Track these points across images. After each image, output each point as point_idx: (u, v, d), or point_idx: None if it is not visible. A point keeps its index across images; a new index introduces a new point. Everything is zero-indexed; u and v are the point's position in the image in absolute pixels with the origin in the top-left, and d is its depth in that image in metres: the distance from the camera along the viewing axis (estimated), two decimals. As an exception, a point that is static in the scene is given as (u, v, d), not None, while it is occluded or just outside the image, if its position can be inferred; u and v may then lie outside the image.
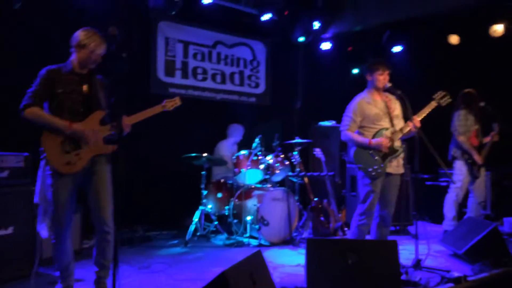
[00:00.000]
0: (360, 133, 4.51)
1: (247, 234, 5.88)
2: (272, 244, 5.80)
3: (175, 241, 5.99)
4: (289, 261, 5.04)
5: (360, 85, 4.79)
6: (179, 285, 4.17)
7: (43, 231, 3.64)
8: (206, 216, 6.26)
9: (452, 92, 4.74)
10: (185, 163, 6.09)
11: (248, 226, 5.85)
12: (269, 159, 6.25)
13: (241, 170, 6.21)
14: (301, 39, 7.83)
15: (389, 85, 4.51)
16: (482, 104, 6.10)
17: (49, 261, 4.31)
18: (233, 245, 5.75)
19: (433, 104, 4.54)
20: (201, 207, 6.00)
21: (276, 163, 6.23)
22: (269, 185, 6.32)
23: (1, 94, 4.89)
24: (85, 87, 3.52)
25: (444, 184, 7.36)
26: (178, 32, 7.16)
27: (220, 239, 6.08)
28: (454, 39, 7.60)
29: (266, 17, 7.40)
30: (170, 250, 5.57)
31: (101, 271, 3.61)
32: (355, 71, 9.14)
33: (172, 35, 7.09)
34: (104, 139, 3.54)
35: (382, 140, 4.35)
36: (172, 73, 7.10)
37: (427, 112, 4.51)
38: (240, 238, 5.93)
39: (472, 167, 5.98)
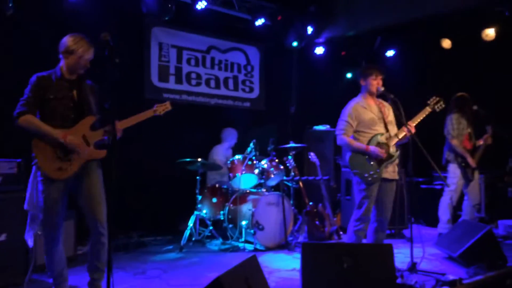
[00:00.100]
0: (355, 138, 4.51)
1: (242, 239, 5.87)
2: (268, 249, 5.79)
3: (170, 247, 5.96)
4: (285, 265, 5.03)
5: (354, 89, 4.81)
6: (174, 290, 4.16)
7: (30, 239, 3.62)
8: (201, 221, 6.25)
9: (444, 96, 4.77)
10: (179, 168, 6.08)
11: (243, 230, 5.84)
12: (264, 163, 6.25)
13: (236, 174, 6.20)
14: (295, 44, 7.86)
15: (382, 89, 4.53)
16: (474, 107, 6.14)
17: (42, 268, 4.27)
18: (229, 250, 5.74)
19: (427, 110, 4.57)
20: (196, 212, 5.99)
21: (271, 168, 6.23)
22: (264, 190, 6.32)
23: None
24: (75, 93, 3.52)
25: (438, 187, 7.38)
26: (171, 38, 7.16)
27: (215, 244, 6.06)
28: (446, 43, 7.65)
29: (259, 22, 7.42)
30: (165, 255, 5.54)
31: (95, 274, 3.58)
32: (349, 75, 9.18)
33: (165, 40, 7.09)
34: (95, 144, 3.54)
35: (379, 151, 4.36)
36: (166, 78, 7.09)
37: (422, 118, 4.53)
38: (235, 243, 5.92)
39: (466, 170, 6.00)
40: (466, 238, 4.89)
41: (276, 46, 8.14)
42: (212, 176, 6.94)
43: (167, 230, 6.58)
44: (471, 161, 5.98)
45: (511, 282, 3.65)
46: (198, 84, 7.46)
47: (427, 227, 7.25)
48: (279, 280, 4.47)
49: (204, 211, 6.16)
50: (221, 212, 6.13)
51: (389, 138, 4.47)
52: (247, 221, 5.79)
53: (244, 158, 6.24)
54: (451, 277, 4.10)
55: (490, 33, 7.07)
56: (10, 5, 5.15)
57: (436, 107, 4.59)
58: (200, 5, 6.64)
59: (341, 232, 6.28)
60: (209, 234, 6.16)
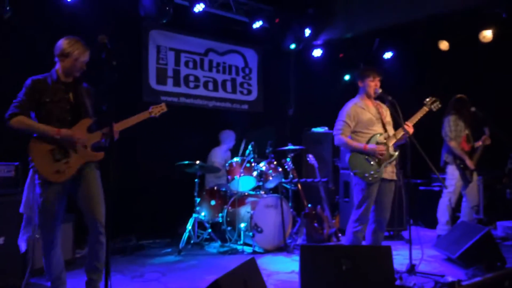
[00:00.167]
0: (353, 138, 4.52)
1: (241, 242, 5.86)
2: (266, 251, 5.78)
3: (169, 250, 5.95)
4: (283, 268, 5.02)
5: (351, 91, 4.82)
6: (173, 293, 4.15)
7: (23, 244, 3.61)
8: (200, 224, 6.24)
9: (442, 97, 4.78)
10: (178, 170, 6.07)
11: (242, 233, 5.83)
12: (262, 166, 6.25)
13: (234, 177, 6.20)
14: (293, 46, 7.87)
15: (380, 91, 4.54)
16: (472, 109, 6.15)
17: (41, 271, 4.25)
18: (227, 253, 5.73)
19: (424, 109, 4.59)
20: (194, 215, 5.98)
21: (269, 170, 6.22)
22: (262, 192, 6.32)
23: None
24: (71, 95, 3.52)
25: (437, 189, 7.38)
26: (169, 40, 7.16)
27: (214, 246, 6.05)
28: (444, 45, 7.66)
29: (257, 24, 7.43)
30: (164, 258, 5.53)
31: (94, 274, 3.57)
32: (347, 77, 9.19)
33: (163, 43, 7.09)
34: (93, 146, 3.54)
35: (376, 148, 4.36)
36: (164, 81, 7.09)
37: (419, 117, 4.55)
38: (234, 246, 5.91)
39: (465, 171, 6.00)
40: (465, 240, 4.89)
41: (274, 49, 8.14)
42: (211, 178, 6.94)
43: (166, 233, 6.57)
44: (469, 163, 5.99)
45: (510, 283, 3.65)
46: (196, 86, 7.46)
47: (425, 229, 7.25)
48: (278, 282, 4.46)
49: (203, 214, 6.15)
50: (220, 214, 6.13)
51: (388, 138, 4.48)
52: (245, 224, 5.78)
53: (243, 161, 6.24)
54: (450, 278, 4.09)
55: (487, 34, 7.08)
56: (7, 8, 5.15)
57: (432, 106, 4.60)
58: (198, 8, 6.65)
59: (339, 234, 6.28)
60: (208, 236, 6.16)
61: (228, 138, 7.15)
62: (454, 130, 6.04)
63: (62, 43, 3.49)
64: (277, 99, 8.45)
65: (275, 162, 6.33)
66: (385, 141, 4.45)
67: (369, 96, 4.62)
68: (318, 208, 6.36)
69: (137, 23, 6.70)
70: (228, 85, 7.88)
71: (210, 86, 7.63)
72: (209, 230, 6.07)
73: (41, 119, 3.42)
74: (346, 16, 7.78)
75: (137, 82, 6.77)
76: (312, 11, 7.83)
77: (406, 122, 4.44)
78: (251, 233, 5.68)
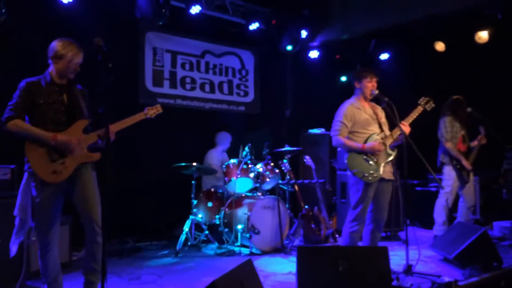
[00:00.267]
0: (350, 139, 4.53)
1: (238, 243, 5.86)
2: (264, 253, 5.78)
3: (166, 252, 5.94)
4: (281, 269, 5.02)
5: (348, 92, 4.83)
6: (170, 295, 4.15)
7: (15, 247, 3.59)
8: (197, 226, 6.24)
9: (438, 98, 4.80)
10: (174, 172, 6.07)
11: (239, 235, 5.83)
12: (259, 167, 6.25)
13: (231, 179, 6.20)
14: (289, 47, 7.87)
15: (376, 92, 4.55)
16: (468, 109, 6.16)
17: (37, 274, 4.24)
18: (224, 254, 5.73)
19: (419, 109, 4.61)
20: (191, 217, 5.97)
21: (266, 171, 6.22)
22: (259, 194, 6.32)
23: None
24: (65, 97, 3.52)
25: (433, 189, 7.40)
26: (166, 42, 7.17)
27: (211, 248, 6.05)
28: (440, 46, 7.68)
29: (253, 26, 7.44)
30: (161, 260, 5.52)
31: (91, 276, 3.54)
32: (343, 78, 9.20)
33: (160, 45, 7.10)
34: (89, 148, 3.54)
35: (375, 144, 4.38)
36: (160, 83, 7.09)
37: (415, 117, 4.56)
38: (231, 247, 5.91)
39: (461, 172, 6.02)
40: (462, 240, 4.90)
41: (270, 50, 8.15)
42: (208, 180, 6.94)
43: (163, 235, 6.57)
44: (466, 164, 6.00)
45: (506, 283, 3.66)
46: (193, 88, 7.46)
47: (422, 229, 7.26)
48: (275, 284, 4.46)
49: (200, 216, 6.15)
50: (217, 216, 6.12)
51: (385, 137, 4.50)
52: (242, 225, 5.78)
53: (239, 162, 6.24)
54: (446, 279, 4.10)
55: (483, 35, 7.11)
56: (3, 10, 5.14)
57: (426, 106, 4.63)
58: (194, 10, 6.65)
59: (336, 235, 6.28)
60: (205, 238, 6.15)
61: (224, 139, 7.16)
62: (450, 131, 6.06)
63: (56, 45, 3.49)
64: (273, 100, 8.46)
65: (272, 164, 6.33)
66: (382, 140, 4.47)
67: (365, 97, 4.63)
68: (315, 209, 6.36)
69: (133, 25, 6.70)
70: (225, 87, 7.89)
71: (207, 88, 7.64)
72: (206, 232, 6.06)
73: (35, 121, 3.41)
74: (343, 18, 7.79)
75: (133, 84, 6.77)
76: (308, 12, 7.84)
77: (402, 122, 4.46)
78: (248, 235, 5.68)
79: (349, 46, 8.37)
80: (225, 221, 6.05)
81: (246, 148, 6.30)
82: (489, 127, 6.22)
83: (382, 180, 4.46)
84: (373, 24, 7.49)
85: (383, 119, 4.67)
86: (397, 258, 5.21)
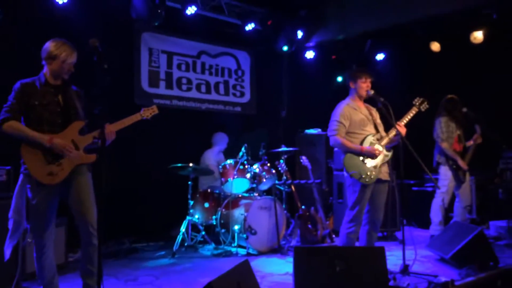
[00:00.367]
0: (346, 139, 4.53)
1: (235, 244, 5.85)
2: (260, 253, 5.78)
3: (162, 252, 5.93)
4: (278, 269, 5.02)
5: (344, 93, 4.83)
6: (167, 297, 4.14)
7: (8, 250, 3.57)
8: (193, 226, 6.22)
9: (434, 99, 4.82)
10: (171, 173, 6.06)
11: (235, 235, 5.83)
12: (256, 168, 6.25)
13: (227, 179, 6.19)
14: (285, 48, 7.87)
15: (372, 92, 4.56)
16: (464, 109, 6.18)
17: (33, 275, 4.23)
18: (221, 255, 5.72)
19: (414, 109, 4.62)
20: (188, 217, 5.97)
21: (263, 172, 6.22)
22: (256, 194, 6.31)
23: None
24: (60, 98, 3.51)
25: (430, 189, 7.41)
26: (161, 43, 7.15)
27: (208, 249, 6.04)
28: (435, 46, 7.70)
29: (249, 27, 7.43)
30: (157, 261, 5.51)
31: (89, 279, 3.52)
32: (339, 79, 9.21)
33: (155, 45, 7.08)
34: (85, 149, 3.53)
35: (374, 150, 4.38)
36: (156, 83, 7.07)
37: (410, 117, 4.58)
38: (228, 248, 5.91)
39: (457, 172, 6.03)
40: (458, 240, 4.91)
41: (266, 51, 8.15)
42: (204, 181, 6.93)
43: (159, 236, 6.56)
44: (462, 163, 6.02)
45: (503, 283, 3.67)
46: (189, 89, 7.45)
47: (419, 229, 7.28)
48: (272, 284, 4.46)
49: (196, 216, 6.14)
50: (214, 217, 6.12)
51: (380, 138, 4.50)
52: (239, 226, 5.77)
53: (236, 163, 6.24)
54: (443, 279, 4.11)
55: (478, 35, 7.13)
56: (-1, 11, 5.13)
57: (421, 107, 4.64)
58: (190, 11, 6.64)
59: (333, 236, 6.28)
60: (202, 239, 6.14)
61: (220, 140, 7.15)
62: (446, 132, 6.07)
63: (49, 45, 3.47)
64: (270, 101, 8.46)
65: (268, 164, 6.33)
66: (377, 141, 4.47)
67: (360, 97, 4.64)
68: (312, 209, 6.36)
69: (129, 26, 6.68)
70: (221, 88, 7.88)
71: (203, 88, 7.63)
72: (203, 233, 6.05)
73: (31, 123, 3.39)
74: (338, 18, 7.80)
75: (129, 85, 6.75)
76: (304, 13, 7.84)
77: (398, 122, 4.47)
78: (245, 235, 5.67)
79: (345, 47, 8.37)
80: (222, 221, 6.04)
81: (243, 149, 6.30)
82: (485, 127, 6.23)
83: (378, 181, 4.46)
84: (369, 25, 7.50)
85: (378, 120, 4.68)
86: (393, 258, 5.22)
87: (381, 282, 3.65)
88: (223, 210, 6.09)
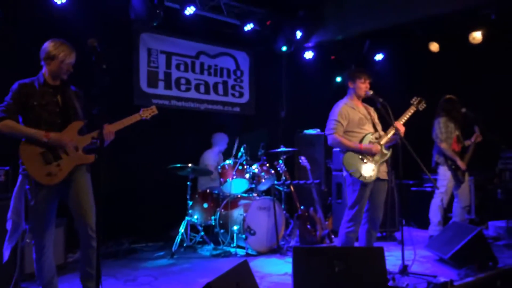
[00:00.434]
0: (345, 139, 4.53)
1: (234, 244, 5.85)
2: (259, 253, 5.78)
3: (161, 253, 5.93)
4: (277, 270, 5.02)
5: (343, 93, 4.83)
6: (166, 297, 4.13)
7: (7, 252, 3.56)
8: (192, 227, 6.22)
9: (433, 99, 4.82)
10: (170, 173, 6.05)
11: (234, 236, 5.82)
12: (255, 168, 6.24)
13: (226, 179, 6.19)
14: (284, 48, 7.87)
15: (371, 92, 4.56)
16: (463, 110, 6.18)
17: (32, 276, 4.22)
18: (220, 256, 5.72)
19: (412, 108, 4.63)
20: (187, 218, 5.96)
21: (262, 172, 6.22)
22: (255, 194, 6.31)
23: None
24: (59, 98, 3.50)
25: (429, 189, 7.41)
26: (160, 43, 7.14)
27: (207, 249, 6.03)
28: (434, 46, 7.71)
29: (248, 27, 7.43)
30: (156, 262, 5.51)
31: (89, 282, 3.51)
32: (338, 79, 9.21)
33: (154, 46, 7.07)
34: (84, 149, 3.52)
35: (372, 146, 4.39)
36: (155, 84, 7.07)
37: (408, 117, 4.58)
38: (227, 248, 5.90)
39: (456, 172, 6.03)
40: (457, 240, 4.91)
41: (265, 51, 8.15)
42: (203, 181, 6.93)
43: (158, 236, 6.55)
44: (461, 164, 6.02)
45: (502, 283, 3.67)
46: (188, 89, 7.45)
47: (418, 229, 7.28)
48: (271, 285, 4.46)
49: (195, 217, 6.13)
50: (212, 217, 6.11)
51: (379, 137, 4.51)
52: (238, 226, 5.77)
53: (235, 163, 6.23)
54: (442, 279, 4.11)
55: (477, 36, 7.13)
56: (-2, 11, 5.12)
57: (419, 106, 4.65)
58: (189, 11, 6.64)
59: (332, 236, 6.28)
60: (201, 239, 6.14)
61: (220, 140, 7.15)
62: (444, 132, 6.08)
63: (47, 46, 3.47)
64: (269, 101, 8.46)
65: (267, 164, 6.33)
66: (376, 140, 4.48)
67: (358, 97, 4.65)
68: (311, 210, 6.36)
69: (127, 26, 6.67)
70: (220, 88, 7.88)
71: (202, 89, 7.62)
72: (202, 233, 6.05)
73: (30, 123, 3.38)
74: (337, 18, 7.80)
75: (128, 85, 6.74)
76: (303, 13, 7.84)
77: (396, 122, 4.47)
78: (244, 236, 5.67)
79: (343, 47, 8.38)
80: (221, 222, 6.04)
81: (242, 149, 6.30)
82: (484, 127, 6.24)
83: (377, 179, 4.47)
84: (368, 25, 7.50)
85: (376, 120, 4.70)
86: (392, 259, 5.22)
87: (380, 282, 3.64)
88: (222, 210, 6.08)
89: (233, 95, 8.05)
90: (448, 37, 7.53)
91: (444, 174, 6.11)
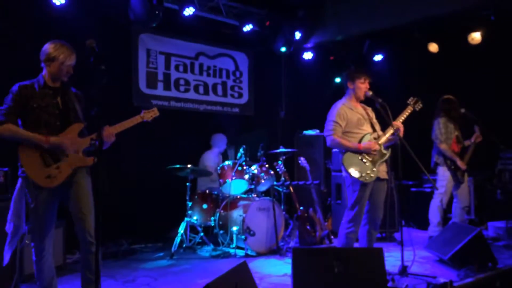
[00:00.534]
0: (343, 139, 4.53)
1: (234, 245, 5.85)
2: (259, 254, 5.77)
3: (161, 254, 5.92)
4: (276, 271, 5.02)
5: (342, 94, 4.83)
6: (165, 298, 4.13)
7: (7, 255, 3.55)
8: (192, 228, 6.21)
9: (432, 99, 4.81)
10: (169, 174, 6.05)
11: (234, 236, 5.82)
12: (254, 169, 6.24)
13: (226, 180, 6.19)
14: (283, 49, 7.85)
15: (370, 93, 4.56)
16: (462, 110, 6.19)
17: (31, 277, 4.22)
18: (220, 256, 5.71)
19: (409, 108, 4.64)
20: (186, 219, 5.96)
21: (261, 173, 6.22)
22: (254, 195, 6.30)
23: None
24: (59, 100, 3.49)
25: (428, 190, 7.41)
26: (159, 44, 7.14)
27: (206, 250, 6.03)
28: (433, 47, 7.71)
29: (247, 28, 7.42)
30: (156, 262, 5.50)
31: (90, 287, 3.50)
32: (338, 80, 9.21)
33: (153, 47, 7.07)
34: (84, 151, 3.51)
35: (371, 144, 4.39)
36: (154, 85, 7.06)
37: (405, 117, 4.58)
38: (226, 249, 5.90)
39: (456, 173, 6.03)
40: (456, 241, 4.91)
41: (264, 52, 8.14)
42: (203, 182, 6.92)
43: (158, 237, 6.54)
44: (460, 164, 6.02)
45: (501, 284, 3.67)
46: (187, 90, 7.44)
47: (417, 230, 7.28)
48: (270, 285, 4.46)
49: (195, 218, 6.13)
50: (212, 218, 6.11)
51: (378, 137, 4.51)
52: (238, 227, 5.77)
53: (234, 164, 6.23)
54: (442, 280, 4.11)
55: (476, 36, 7.13)
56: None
57: (415, 106, 4.65)
58: (188, 12, 6.63)
59: (332, 237, 6.28)
60: (200, 240, 6.14)
61: (220, 141, 7.15)
62: (444, 133, 6.08)
63: (47, 47, 3.46)
64: (268, 102, 8.45)
65: (267, 165, 6.33)
66: (375, 140, 4.48)
67: (357, 98, 4.65)
68: (310, 210, 6.36)
69: (126, 27, 6.66)
70: (219, 89, 7.87)
71: (201, 89, 7.62)
72: (201, 234, 6.05)
73: (29, 125, 3.37)
74: (337, 19, 7.80)
75: (127, 86, 6.74)
76: (302, 14, 7.84)
77: (394, 122, 4.47)
78: (243, 236, 5.67)
79: (343, 47, 8.38)
80: (220, 223, 6.04)
81: (241, 150, 6.29)
82: (483, 127, 6.24)
83: (377, 179, 4.47)
84: (367, 26, 7.50)
85: (374, 119, 4.70)
86: (392, 259, 5.22)
87: (379, 283, 3.64)
88: (222, 211, 6.08)
89: (232, 96, 8.05)
90: (448, 37, 7.53)
91: (443, 175, 6.11)
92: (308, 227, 6.21)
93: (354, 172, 4.39)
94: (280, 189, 6.62)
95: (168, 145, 6.85)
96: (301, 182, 7.03)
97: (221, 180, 6.29)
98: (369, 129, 4.58)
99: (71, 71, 3.51)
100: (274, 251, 5.85)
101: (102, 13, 6.11)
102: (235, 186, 6.27)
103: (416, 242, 5.38)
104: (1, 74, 5.06)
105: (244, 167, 6.24)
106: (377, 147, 4.42)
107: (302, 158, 6.87)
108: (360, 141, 4.49)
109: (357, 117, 4.55)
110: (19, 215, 3.49)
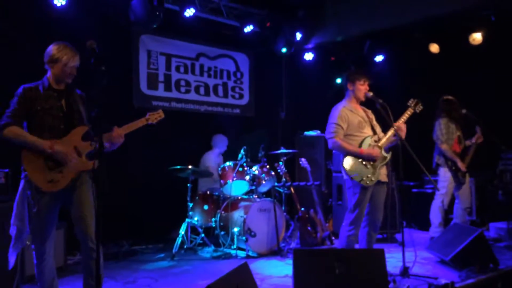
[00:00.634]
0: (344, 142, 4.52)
1: (235, 246, 5.84)
2: (260, 255, 5.77)
3: (162, 255, 5.92)
4: (277, 272, 5.01)
5: (343, 94, 4.82)
6: (166, 300, 4.12)
7: (13, 258, 3.53)
8: (193, 229, 6.21)
9: (432, 100, 4.80)
10: (170, 175, 6.05)
11: (235, 237, 5.82)
12: (255, 170, 6.24)
13: (227, 181, 6.18)
14: (284, 50, 7.84)
15: (370, 94, 4.55)
16: (463, 111, 6.18)
17: (32, 278, 4.21)
18: (221, 257, 5.71)
19: (410, 110, 4.61)
20: (187, 220, 5.95)
21: (262, 174, 6.21)
22: (255, 196, 6.30)
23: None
24: (63, 103, 3.47)
25: (429, 191, 7.40)
26: (160, 45, 7.14)
27: (207, 251, 6.02)
28: (434, 47, 7.70)
29: (248, 29, 7.41)
30: (157, 264, 5.50)
31: None
32: (338, 80, 9.20)
33: (154, 48, 7.07)
34: (87, 155, 3.48)
35: (373, 152, 4.38)
36: (155, 86, 7.06)
37: (405, 119, 4.56)
38: (227, 250, 5.89)
39: (457, 173, 6.02)
40: (458, 242, 4.90)
41: (265, 53, 8.14)
42: (203, 183, 6.92)
43: (159, 238, 6.54)
44: (461, 165, 6.01)
45: (503, 285, 3.67)
46: (188, 91, 7.44)
47: (419, 231, 7.27)
48: (271, 287, 4.45)
49: (196, 219, 6.12)
50: (213, 219, 6.10)
51: (378, 140, 4.49)
52: (239, 228, 5.76)
53: (235, 165, 6.23)
54: (443, 281, 4.11)
55: (477, 37, 7.13)
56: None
57: (416, 108, 4.63)
58: (189, 13, 6.62)
59: (333, 238, 6.27)
60: (201, 241, 6.13)
61: (220, 142, 7.15)
62: (445, 133, 6.07)
63: (51, 49, 3.44)
64: (269, 103, 8.45)
65: (267, 166, 6.32)
66: (376, 143, 4.47)
67: (357, 100, 4.64)
68: (311, 211, 6.35)
69: (127, 28, 6.67)
70: (220, 90, 7.87)
71: (202, 90, 7.62)
72: (202, 235, 6.04)
73: (33, 128, 3.35)
74: (337, 20, 7.79)
75: (127, 87, 6.73)
76: (302, 15, 7.83)
77: (395, 124, 4.46)
78: (244, 237, 5.66)
79: (343, 48, 8.38)
80: (221, 224, 6.03)
81: (242, 151, 6.29)
82: (484, 128, 6.23)
83: (377, 182, 4.46)
84: (368, 26, 7.49)
85: (375, 122, 4.69)
86: (393, 260, 5.21)
87: (381, 284, 3.63)
88: (223, 212, 6.08)
89: (233, 96, 8.05)
90: (448, 38, 7.53)
91: (445, 176, 6.10)
92: (309, 228, 6.20)
93: (356, 176, 4.37)
94: (281, 190, 6.61)
95: (168, 146, 6.84)
96: (302, 183, 7.02)
97: (222, 181, 6.29)
98: (370, 132, 4.56)
99: (74, 73, 3.48)
100: (275, 252, 5.85)
101: (103, 14, 6.12)
102: (236, 187, 6.27)
103: (418, 243, 5.37)
104: (1, 75, 5.07)
105: (245, 168, 6.23)
106: (379, 154, 4.40)
107: (303, 159, 6.87)
108: (360, 144, 4.47)
109: (358, 120, 4.53)
110: (22, 219, 3.46)
